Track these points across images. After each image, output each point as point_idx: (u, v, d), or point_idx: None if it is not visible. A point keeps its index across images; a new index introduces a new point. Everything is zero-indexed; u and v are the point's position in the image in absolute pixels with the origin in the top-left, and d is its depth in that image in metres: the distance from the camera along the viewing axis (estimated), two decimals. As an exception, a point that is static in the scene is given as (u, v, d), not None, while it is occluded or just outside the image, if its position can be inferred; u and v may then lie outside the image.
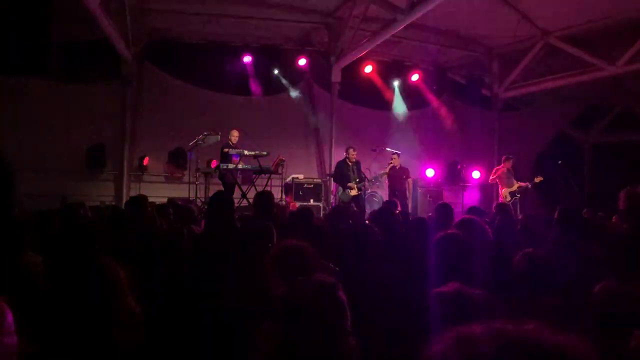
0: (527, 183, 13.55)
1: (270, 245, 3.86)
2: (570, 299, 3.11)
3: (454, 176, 16.11)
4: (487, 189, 15.74)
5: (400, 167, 13.17)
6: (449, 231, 3.93)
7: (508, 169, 13.56)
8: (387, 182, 13.31)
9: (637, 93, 16.51)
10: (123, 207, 9.38)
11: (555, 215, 5.50)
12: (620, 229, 6.17)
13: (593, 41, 13.47)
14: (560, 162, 14.90)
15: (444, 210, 6.61)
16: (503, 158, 13.93)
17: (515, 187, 13.39)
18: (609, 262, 3.87)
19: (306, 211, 6.14)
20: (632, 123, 17.39)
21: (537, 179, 13.46)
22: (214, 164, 12.13)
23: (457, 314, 2.08)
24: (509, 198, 13.32)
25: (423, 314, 2.23)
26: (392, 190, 13.00)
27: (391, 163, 13.02)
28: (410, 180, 13.45)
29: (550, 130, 17.80)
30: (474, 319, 1.78)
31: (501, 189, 13.64)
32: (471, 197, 15.34)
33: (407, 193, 13.31)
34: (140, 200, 7.06)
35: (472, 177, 15.85)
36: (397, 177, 13.06)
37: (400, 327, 2.84)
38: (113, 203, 12.80)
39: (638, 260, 3.63)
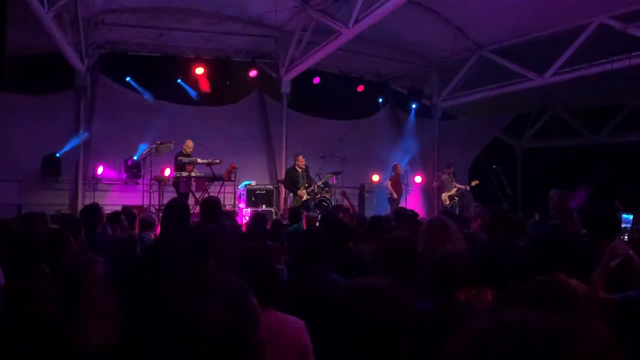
0: (465, 186, 14.46)
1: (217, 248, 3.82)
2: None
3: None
4: (429, 192, 16.63)
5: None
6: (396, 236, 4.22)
7: (449, 175, 14.41)
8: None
9: (564, 101, 17.76)
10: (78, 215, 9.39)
11: (488, 217, 5.97)
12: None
13: (523, 54, 14.49)
14: (494, 166, 15.76)
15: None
16: (445, 165, 14.82)
17: (453, 191, 14.24)
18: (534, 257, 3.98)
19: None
20: (559, 129, 18.74)
21: (474, 183, 14.39)
22: (168, 172, 12.43)
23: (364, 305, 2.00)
24: (448, 202, 14.18)
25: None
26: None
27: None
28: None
29: (485, 136, 18.84)
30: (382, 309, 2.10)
31: (440, 194, 14.50)
32: (414, 200, 16.22)
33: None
34: (93, 209, 7.08)
35: (414, 182, 16.72)
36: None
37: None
38: (68, 212, 12.92)
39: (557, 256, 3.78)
